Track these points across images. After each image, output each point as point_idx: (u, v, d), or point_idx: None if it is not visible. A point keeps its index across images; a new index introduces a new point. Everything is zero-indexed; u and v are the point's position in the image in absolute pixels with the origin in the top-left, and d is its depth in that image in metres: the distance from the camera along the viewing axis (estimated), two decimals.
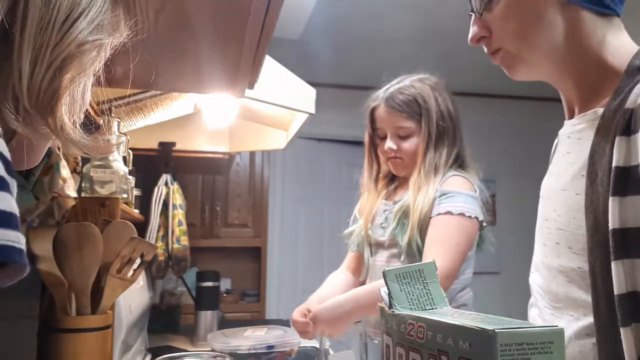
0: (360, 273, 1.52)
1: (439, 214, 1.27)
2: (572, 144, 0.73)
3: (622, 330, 0.57)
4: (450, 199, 1.28)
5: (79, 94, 0.42)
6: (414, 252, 1.28)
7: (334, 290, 1.43)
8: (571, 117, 0.78)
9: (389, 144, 1.39)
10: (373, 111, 1.43)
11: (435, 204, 1.29)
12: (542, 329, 0.38)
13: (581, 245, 0.66)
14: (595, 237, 0.62)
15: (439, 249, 1.22)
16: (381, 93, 1.44)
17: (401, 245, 1.30)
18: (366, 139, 1.48)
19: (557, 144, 0.81)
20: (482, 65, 3.67)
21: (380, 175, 1.50)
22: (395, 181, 1.50)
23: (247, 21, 0.76)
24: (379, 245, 1.40)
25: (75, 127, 0.42)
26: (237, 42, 0.84)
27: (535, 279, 0.79)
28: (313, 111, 1.68)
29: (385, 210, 1.42)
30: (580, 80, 0.74)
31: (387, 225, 1.39)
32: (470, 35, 0.80)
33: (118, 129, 1.25)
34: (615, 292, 0.58)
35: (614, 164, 0.60)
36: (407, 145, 1.38)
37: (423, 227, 1.29)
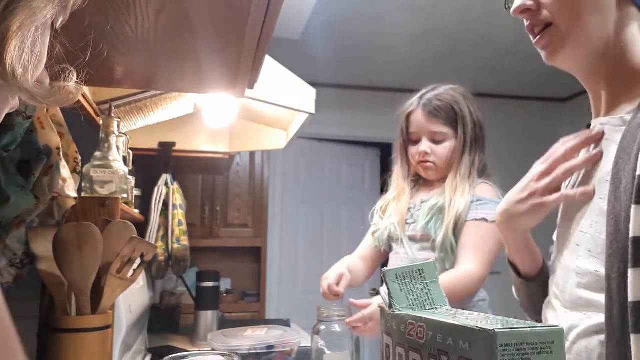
0: (372, 267, 1.60)
1: (475, 220, 1.35)
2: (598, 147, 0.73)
3: (632, 336, 0.58)
4: (484, 206, 1.36)
5: (29, 41, 0.39)
6: (447, 249, 1.36)
7: (355, 267, 1.53)
8: (597, 115, 0.77)
9: (423, 147, 1.45)
10: (409, 116, 1.49)
11: (471, 208, 1.37)
12: (542, 329, 0.38)
13: (600, 249, 0.67)
14: (615, 244, 0.62)
15: (473, 254, 1.31)
16: (416, 99, 1.49)
17: (435, 241, 1.37)
18: (399, 142, 1.54)
19: None
20: (482, 66, 3.68)
21: (410, 177, 1.57)
22: (418, 182, 1.56)
23: (247, 21, 0.76)
24: (411, 239, 1.45)
25: (28, 75, 0.40)
26: (237, 42, 0.84)
27: (552, 278, 0.79)
28: (313, 111, 1.68)
29: (410, 209, 1.49)
30: (612, 78, 0.74)
31: (413, 222, 1.46)
32: (516, 5, 0.76)
33: (118, 129, 1.25)
34: (630, 299, 0.58)
35: (637, 173, 0.60)
36: (441, 150, 1.45)
37: (458, 227, 1.37)
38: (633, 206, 0.59)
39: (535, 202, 0.78)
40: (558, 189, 0.78)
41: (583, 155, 0.78)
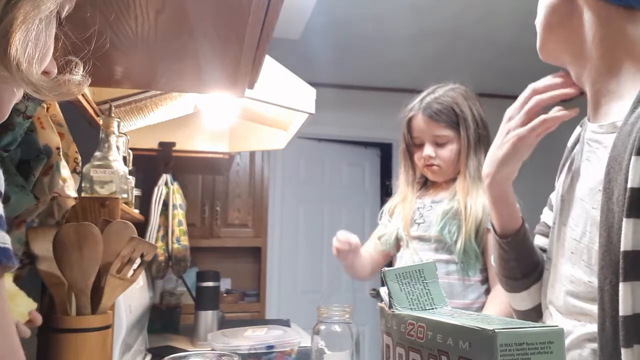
0: (375, 265, 1.61)
1: None
2: (590, 152, 0.72)
3: (623, 351, 0.57)
4: None
5: (33, 33, 0.39)
6: (471, 256, 1.36)
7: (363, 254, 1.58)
8: (590, 116, 0.77)
9: (427, 151, 1.45)
10: (410, 121, 1.49)
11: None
12: (542, 329, 0.38)
13: (594, 260, 0.66)
14: (607, 256, 0.61)
15: None
16: (417, 103, 1.49)
17: (454, 248, 1.37)
18: (402, 146, 1.54)
19: (578, 140, 0.80)
20: (481, 65, 3.68)
21: (416, 180, 1.57)
22: (426, 183, 1.56)
23: (247, 21, 0.76)
24: (420, 239, 1.45)
25: (33, 68, 0.40)
26: (237, 42, 0.84)
27: (547, 280, 0.79)
28: (313, 111, 1.68)
29: (419, 208, 1.49)
30: (594, 77, 0.73)
31: (422, 222, 1.46)
32: None
33: (118, 129, 1.25)
34: (621, 312, 0.58)
35: (629, 185, 0.58)
36: (444, 152, 1.45)
37: (479, 234, 1.37)
38: (624, 219, 0.58)
39: (511, 136, 0.78)
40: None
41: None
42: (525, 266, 0.83)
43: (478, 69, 3.70)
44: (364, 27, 3.08)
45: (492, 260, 0.91)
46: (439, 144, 1.45)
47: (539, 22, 0.78)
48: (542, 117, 0.76)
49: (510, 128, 0.78)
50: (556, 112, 0.77)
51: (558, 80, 0.76)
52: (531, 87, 0.78)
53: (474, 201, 1.38)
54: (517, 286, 0.85)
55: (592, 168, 0.71)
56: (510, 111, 0.79)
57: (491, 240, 0.90)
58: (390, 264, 1.59)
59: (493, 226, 0.87)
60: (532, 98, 0.77)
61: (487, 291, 1.41)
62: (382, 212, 1.64)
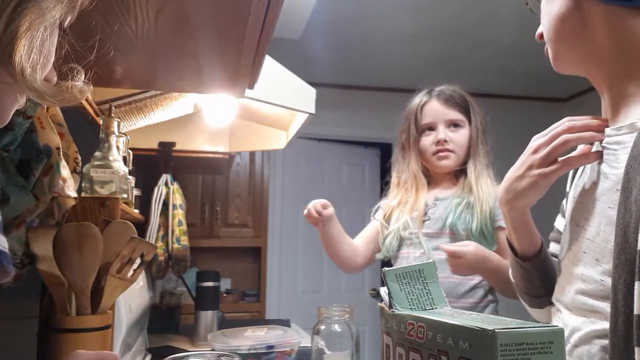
0: (365, 262, 1.60)
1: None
2: (610, 154, 0.71)
3: (636, 350, 0.57)
4: None
5: (37, 41, 0.40)
6: (487, 237, 1.38)
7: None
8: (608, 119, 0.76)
9: (442, 135, 1.46)
10: (422, 107, 1.50)
11: (498, 211, 1.38)
12: (542, 329, 0.38)
13: (607, 259, 0.66)
14: (622, 255, 0.61)
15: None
16: (425, 94, 1.52)
17: (471, 231, 1.38)
18: (412, 138, 1.51)
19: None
20: (481, 66, 3.68)
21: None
22: (428, 179, 1.56)
23: (247, 21, 0.76)
24: (429, 236, 1.45)
25: (37, 74, 0.41)
26: (237, 42, 0.84)
27: (558, 279, 0.79)
28: (313, 111, 1.68)
29: (426, 206, 1.49)
30: (612, 81, 0.73)
31: (427, 219, 1.46)
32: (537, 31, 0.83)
33: (118, 129, 1.25)
34: (635, 311, 0.58)
35: None
36: (457, 136, 1.47)
37: (490, 216, 1.39)
38: None
39: (534, 174, 0.77)
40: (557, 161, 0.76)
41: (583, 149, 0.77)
42: (548, 282, 0.84)
43: (478, 69, 3.70)
44: (364, 27, 3.08)
45: (512, 277, 0.91)
46: (452, 129, 1.47)
47: (548, 35, 0.77)
48: (567, 158, 0.75)
49: (534, 164, 0.77)
50: (581, 152, 0.75)
51: (594, 122, 0.74)
52: (568, 124, 0.75)
53: (486, 188, 1.41)
54: (541, 303, 0.86)
55: (611, 169, 0.70)
56: (537, 142, 0.77)
57: (511, 257, 0.90)
58: (389, 263, 1.58)
59: (513, 249, 0.87)
60: (562, 136, 0.75)
61: (491, 290, 1.41)
62: (377, 207, 1.61)
